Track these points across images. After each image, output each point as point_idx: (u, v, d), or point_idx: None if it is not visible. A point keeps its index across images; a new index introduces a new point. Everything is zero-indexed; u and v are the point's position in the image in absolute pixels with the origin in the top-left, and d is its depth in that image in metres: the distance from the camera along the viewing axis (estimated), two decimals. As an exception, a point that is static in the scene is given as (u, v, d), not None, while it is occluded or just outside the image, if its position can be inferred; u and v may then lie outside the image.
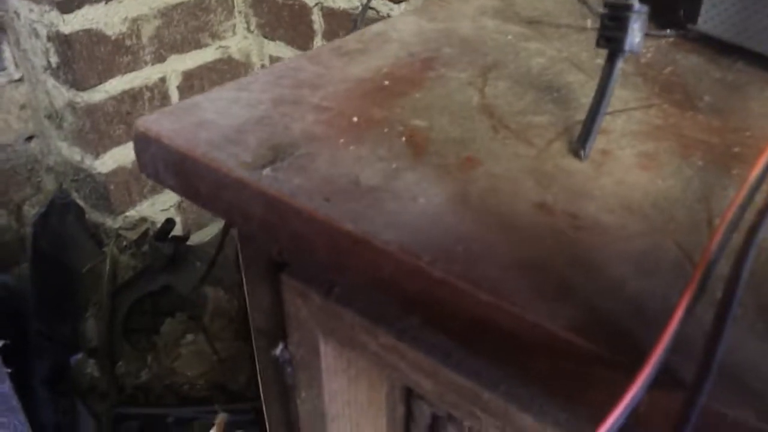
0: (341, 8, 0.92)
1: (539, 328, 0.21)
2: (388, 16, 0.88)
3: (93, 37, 0.86)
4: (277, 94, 0.33)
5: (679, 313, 0.20)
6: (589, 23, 0.41)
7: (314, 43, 0.98)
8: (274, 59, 1.03)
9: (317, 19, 0.95)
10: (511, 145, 0.29)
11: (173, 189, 0.30)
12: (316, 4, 0.94)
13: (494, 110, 0.32)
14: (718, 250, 0.21)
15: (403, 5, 0.86)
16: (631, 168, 0.28)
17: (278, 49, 1.02)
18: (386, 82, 0.34)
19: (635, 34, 0.27)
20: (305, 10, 0.95)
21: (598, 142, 0.29)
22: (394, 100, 0.33)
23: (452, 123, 0.31)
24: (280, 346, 0.34)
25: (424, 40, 0.39)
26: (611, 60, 0.27)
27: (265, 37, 1.02)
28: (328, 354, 0.32)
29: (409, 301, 0.24)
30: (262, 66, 1.05)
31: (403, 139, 0.30)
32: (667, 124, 0.31)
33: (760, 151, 0.23)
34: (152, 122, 0.30)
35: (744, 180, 0.22)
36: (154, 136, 0.30)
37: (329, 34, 0.95)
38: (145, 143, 0.30)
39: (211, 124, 0.30)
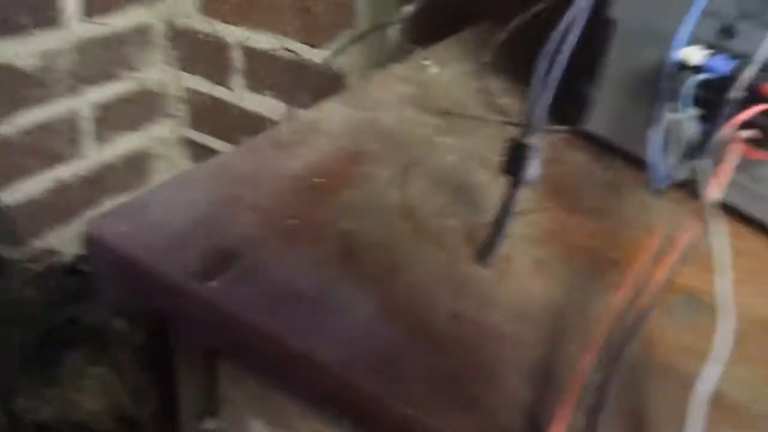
0: (263, 49, 0.94)
1: (453, 437, 0.25)
2: (309, 59, 0.91)
3: (4, 70, 0.85)
4: (218, 192, 0.36)
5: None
6: (492, 116, 0.46)
7: (233, 80, 1.00)
8: (191, 92, 1.04)
9: (237, 56, 0.97)
10: (428, 251, 0.34)
11: (120, 291, 0.33)
12: (238, 43, 0.96)
13: (414, 212, 0.36)
14: (590, 368, 0.26)
15: (317, 50, 0.89)
16: (528, 275, 0.33)
17: (196, 82, 1.03)
18: (318, 180, 0.38)
19: (534, 168, 0.31)
20: (225, 48, 0.97)
21: (504, 250, 0.34)
22: (325, 199, 0.37)
23: (378, 226, 0.35)
24: (209, 421, 0.37)
25: (352, 132, 0.43)
26: (513, 187, 0.32)
27: (184, 70, 1.03)
28: (258, 431, 0.36)
29: (343, 407, 0.28)
30: (178, 98, 1.06)
31: (337, 243, 0.33)
32: (558, 229, 0.36)
33: (628, 263, 0.29)
34: (102, 225, 0.33)
35: (617, 287, 0.28)
36: (105, 239, 0.32)
37: (250, 73, 0.97)
38: (96, 245, 0.32)
39: (158, 227, 0.33)
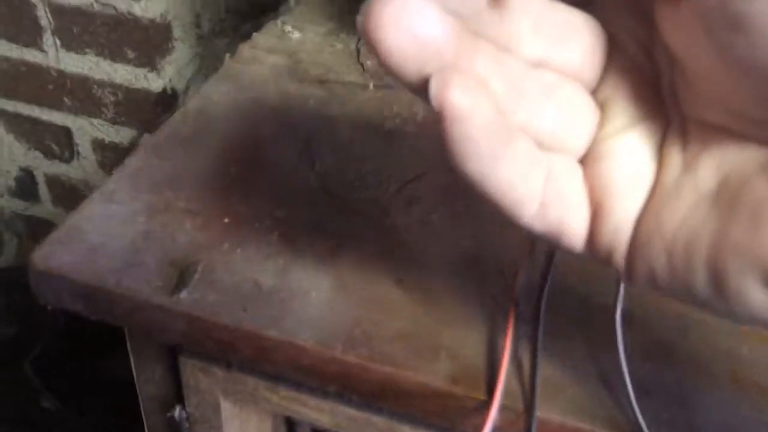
0: (71, 5, 0.89)
1: (427, 385, 0.31)
2: (128, 13, 0.88)
3: None
4: (145, 202, 0.37)
5: (505, 356, 0.32)
6: (366, 80, 0.50)
7: (43, 40, 0.93)
8: (-4, 58, 0.96)
9: (44, 15, 0.90)
10: (357, 225, 0.38)
11: (81, 313, 0.34)
12: (42, 1, 0.89)
13: (331, 189, 0.40)
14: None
15: (143, 2, 0.86)
16: (447, 230, 0.39)
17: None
18: (233, 171, 0.40)
19: None
20: (29, 6, 0.90)
21: (420, 210, 0.39)
22: (248, 190, 0.39)
23: (305, 208, 0.39)
24: (177, 409, 0.40)
25: (244, 115, 0.45)
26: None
27: (-19, 35, 0.93)
28: (227, 409, 0.39)
29: (327, 379, 0.32)
30: (-18, 65, 0.97)
31: (276, 233, 0.37)
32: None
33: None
34: (48, 257, 0.33)
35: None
36: (57, 272, 0.33)
37: (60, 32, 0.91)
38: (45, 278, 0.33)
39: (104, 248, 0.34)
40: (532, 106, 0.21)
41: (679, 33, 0.20)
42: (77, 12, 0.87)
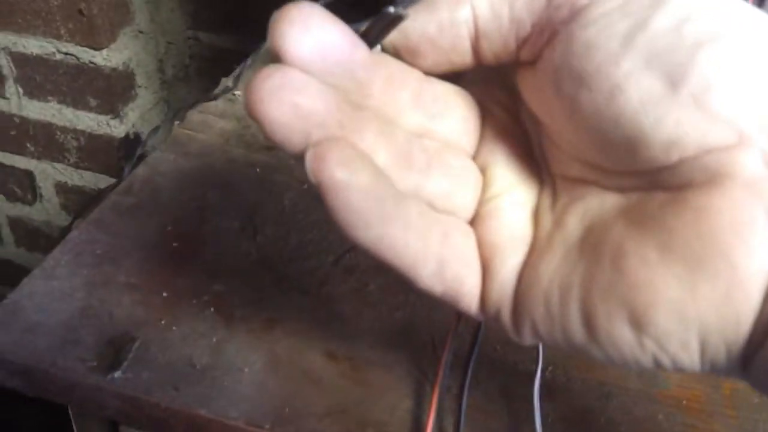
0: (34, 54, 0.90)
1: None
2: (90, 62, 0.89)
3: None
4: (84, 277, 0.39)
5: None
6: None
7: (5, 87, 0.94)
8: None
9: (6, 63, 0.92)
10: (293, 298, 0.40)
11: (20, 390, 0.35)
12: (3, 48, 0.90)
13: (271, 262, 0.42)
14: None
15: (104, 52, 0.87)
16: (381, 299, 0.40)
17: (-39, 94, 0.95)
18: (175, 244, 0.42)
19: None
20: (-11, 55, 0.91)
21: (356, 280, 0.41)
22: (189, 264, 0.41)
23: (245, 283, 0.40)
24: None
25: (189, 184, 0.46)
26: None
27: (-57, 83, 0.94)
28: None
29: (257, 453, 0.34)
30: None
31: (212, 309, 0.38)
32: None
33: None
34: (-15, 338, 0.34)
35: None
36: (-7, 352, 0.34)
37: (23, 80, 0.92)
38: (-17, 359, 0.34)
39: (42, 326, 0.35)
40: (419, 172, 0.22)
41: (537, 95, 0.22)
42: (39, 61, 0.88)
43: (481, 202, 0.24)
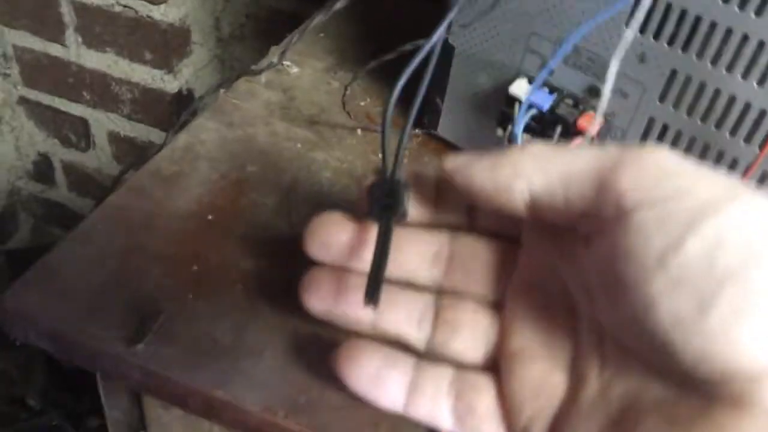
0: (94, 4, 0.90)
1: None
2: (148, 16, 0.89)
3: None
4: (121, 244, 0.39)
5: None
6: (355, 123, 0.51)
7: (66, 36, 0.95)
8: (18, 49, 0.98)
9: (67, 12, 0.92)
10: (321, 283, 0.39)
11: (48, 351, 0.35)
12: (66, -3, 0.91)
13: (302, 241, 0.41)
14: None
15: (162, 7, 0.87)
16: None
17: (22, 38, 0.97)
18: (210, 217, 0.42)
19: (406, 203, 0.35)
20: (53, 2, 0.92)
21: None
22: (221, 238, 0.40)
23: (274, 263, 0.40)
24: (140, 435, 0.42)
25: (229, 155, 0.46)
26: (387, 227, 0.38)
27: (6, 26, 0.96)
28: (186, 444, 0.41)
29: (270, 439, 0.34)
30: (3, 55, 0.99)
31: (240, 286, 0.38)
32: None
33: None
34: (18, 298, 0.35)
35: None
36: (25, 314, 0.34)
37: (83, 29, 0.93)
38: (15, 319, 0.35)
39: (72, 291, 0.36)
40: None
41: (586, 278, 0.24)
42: (99, 11, 0.89)
43: (507, 355, 0.26)
